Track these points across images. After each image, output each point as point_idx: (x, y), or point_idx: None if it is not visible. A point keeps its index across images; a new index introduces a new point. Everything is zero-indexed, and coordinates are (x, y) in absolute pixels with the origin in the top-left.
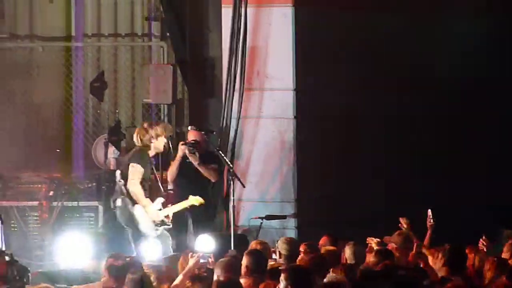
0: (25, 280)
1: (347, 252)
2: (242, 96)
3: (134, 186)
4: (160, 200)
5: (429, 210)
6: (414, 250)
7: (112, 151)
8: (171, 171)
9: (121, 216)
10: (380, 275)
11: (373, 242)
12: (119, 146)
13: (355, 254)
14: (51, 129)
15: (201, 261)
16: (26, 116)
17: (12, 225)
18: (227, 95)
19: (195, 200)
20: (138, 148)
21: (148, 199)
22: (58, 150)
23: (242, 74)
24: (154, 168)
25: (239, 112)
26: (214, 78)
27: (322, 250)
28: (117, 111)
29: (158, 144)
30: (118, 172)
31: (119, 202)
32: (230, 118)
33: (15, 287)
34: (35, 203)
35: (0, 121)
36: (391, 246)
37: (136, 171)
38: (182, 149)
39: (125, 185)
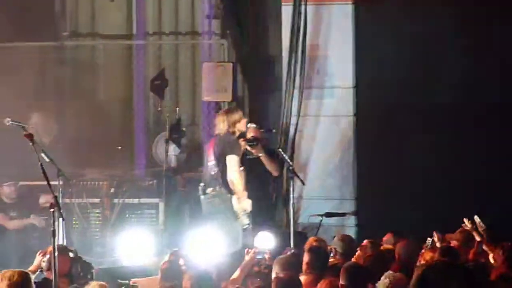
0: (89, 277)
1: (402, 249)
2: (302, 94)
3: (234, 175)
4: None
5: (476, 217)
6: (475, 247)
7: (172, 149)
8: None
9: (215, 204)
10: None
11: (435, 238)
12: (180, 143)
13: (410, 252)
14: (113, 127)
15: (258, 257)
16: (89, 114)
17: (74, 222)
18: (287, 93)
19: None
20: (228, 138)
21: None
22: (119, 148)
23: (302, 72)
24: None
25: (299, 110)
26: (274, 76)
27: (383, 248)
28: (177, 108)
29: (241, 127)
30: (211, 163)
31: (210, 190)
32: (290, 116)
33: (79, 284)
34: (97, 200)
35: (63, 119)
36: (453, 243)
37: (234, 160)
38: (242, 145)
39: (221, 176)
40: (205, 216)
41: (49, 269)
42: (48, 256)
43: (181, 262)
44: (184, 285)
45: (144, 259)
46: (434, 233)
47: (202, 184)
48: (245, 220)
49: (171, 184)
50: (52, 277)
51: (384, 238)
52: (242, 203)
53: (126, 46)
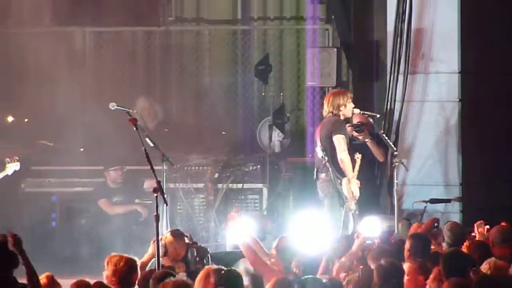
0: (205, 261)
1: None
2: (406, 79)
3: (344, 154)
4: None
5: None
6: None
7: (276, 134)
8: None
9: (324, 189)
10: None
11: None
12: (283, 129)
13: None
14: (217, 112)
15: (367, 242)
16: (194, 99)
17: (178, 207)
18: (392, 78)
19: (359, 157)
20: (332, 119)
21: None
22: (223, 133)
23: (407, 57)
24: None
25: (404, 95)
26: (379, 61)
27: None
28: (281, 94)
29: (347, 111)
30: (318, 148)
31: (323, 175)
32: (395, 101)
33: (196, 269)
34: (201, 185)
35: (168, 104)
36: None
37: (342, 140)
38: (348, 130)
39: (328, 161)
40: (312, 201)
41: (165, 254)
42: (163, 242)
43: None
44: (293, 268)
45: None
46: None
47: (315, 169)
48: (353, 206)
49: (275, 170)
50: (167, 263)
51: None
52: (353, 185)
53: (231, 31)
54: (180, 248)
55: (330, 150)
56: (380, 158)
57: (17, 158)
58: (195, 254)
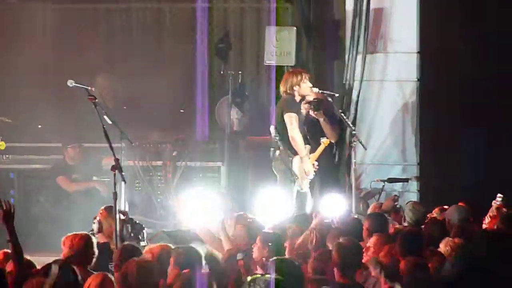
0: (140, 237)
1: (454, 215)
2: (365, 59)
3: (295, 132)
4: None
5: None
6: None
7: (235, 113)
8: None
9: (277, 167)
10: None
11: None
12: (242, 107)
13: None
14: (177, 90)
15: (325, 221)
16: (154, 77)
17: (136, 184)
18: (351, 57)
19: (325, 142)
20: (284, 98)
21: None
22: (182, 111)
23: (366, 37)
24: None
25: (363, 74)
26: (338, 40)
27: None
28: (240, 72)
29: (302, 90)
30: (272, 127)
31: (277, 154)
32: (353, 81)
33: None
34: (159, 163)
35: (128, 81)
36: None
37: (292, 118)
38: (305, 107)
39: (280, 139)
40: (270, 179)
41: (100, 231)
42: (98, 218)
43: (254, 224)
44: (256, 247)
45: (205, 222)
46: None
47: (272, 148)
48: (305, 185)
49: (233, 148)
50: (102, 239)
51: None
52: (305, 164)
53: (191, 8)
54: (114, 224)
55: (282, 128)
56: (332, 138)
57: None
58: (130, 230)
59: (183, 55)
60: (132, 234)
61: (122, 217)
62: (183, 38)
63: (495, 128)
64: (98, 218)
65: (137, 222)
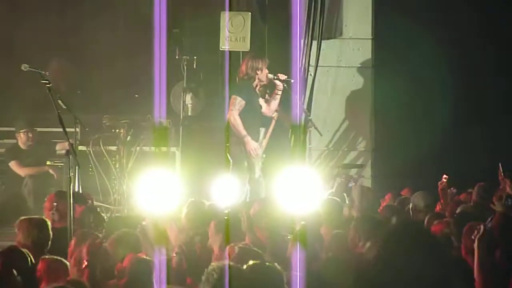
0: (99, 228)
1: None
2: (320, 45)
3: (231, 116)
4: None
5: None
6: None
7: (189, 97)
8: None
9: (231, 152)
10: None
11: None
12: (197, 92)
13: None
14: (131, 74)
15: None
16: (108, 61)
17: (90, 169)
18: (306, 43)
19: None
20: (240, 81)
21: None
22: (136, 96)
23: (321, 22)
24: None
25: (318, 60)
26: (294, 26)
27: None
28: (195, 57)
29: (262, 76)
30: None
31: (233, 138)
32: (308, 66)
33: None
34: (113, 148)
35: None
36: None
37: (235, 102)
38: (278, 84)
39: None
40: (222, 164)
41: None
42: (55, 204)
43: (205, 209)
44: (210, 231)
45: (160, 207)
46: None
47: (227, 133)
48: (258, 170)
49: (188, 133)
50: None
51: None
52: (248, 144)
53: None
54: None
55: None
56: (287, 123)
57: None
58: (91, 219)
59: (138, 39)
60: (92, 224)
61: (89, 203)
62: (138, 22)
63: (448, 114)
64: (55, 203)
65: (100, 213)
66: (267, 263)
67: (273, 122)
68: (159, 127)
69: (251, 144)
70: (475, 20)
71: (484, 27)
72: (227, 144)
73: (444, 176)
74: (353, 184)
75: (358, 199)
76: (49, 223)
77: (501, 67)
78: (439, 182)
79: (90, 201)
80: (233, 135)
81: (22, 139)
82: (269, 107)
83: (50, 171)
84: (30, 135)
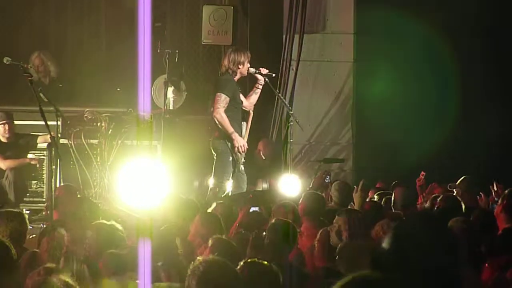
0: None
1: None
2: (302, 39)
3: (217, 114)
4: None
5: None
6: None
7: (171, 91)
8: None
9: (215, 146)
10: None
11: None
12: (179, 86)
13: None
14: (113, 68)
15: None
16: (90, 54)
17: (71, 163)
18: (288, 37)
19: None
20: (222, 76)
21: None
22: (118, 89)
23: (303, 17)
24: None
25: (299, 54)
26: (276, 20)
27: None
28: (177, 51)
29: (244, 70)
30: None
31: (215, 133)
32: (290, 61)
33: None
34: (95, 141)
35: (64, 59)
36: (457, 191)
37: (221, 100)
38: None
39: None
40: (207, 159)
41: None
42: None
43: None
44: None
45: (142, 200)
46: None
47: (209, 128)
48: (241, 163)
49: (169, 127)
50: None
51: (377, 186)
52: (236, 141)
53: None
54: (69, 202)
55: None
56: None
57: None
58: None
59: (120, 34)
60: (87, 214)
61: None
62: (119, 17)
63: (429, 108)
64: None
65: (94, 202)
66: (260, 261)
67: (251, 115)
68: (143, 121)
69: (239, 140)
70: (459, 13)
71: (466, 20)
72: (210, 139)
73: (422, 172)
74: (329, 180)
75: (336, 194)
76: (26, 215)
77: (486, 62)
78: (417, 179)
79: (79, 193)
80: (216, 130)
81: (1, 132)
82: (250, 101)
83: (32, 162)
84: (7, 128)
